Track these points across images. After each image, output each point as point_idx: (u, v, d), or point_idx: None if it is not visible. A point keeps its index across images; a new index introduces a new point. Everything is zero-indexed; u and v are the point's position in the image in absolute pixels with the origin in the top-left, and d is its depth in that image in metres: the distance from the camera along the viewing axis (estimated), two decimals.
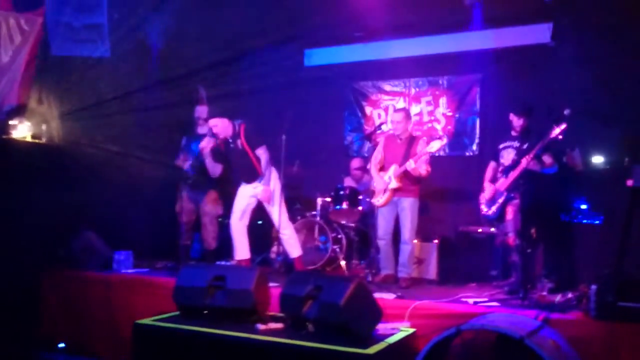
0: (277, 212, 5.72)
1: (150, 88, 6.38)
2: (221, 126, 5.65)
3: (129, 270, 5.73)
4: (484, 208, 5.28)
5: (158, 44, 6.55)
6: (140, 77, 6.25)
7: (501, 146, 5.35)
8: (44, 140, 6.17)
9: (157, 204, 6.61)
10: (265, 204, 5.75)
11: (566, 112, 4.60)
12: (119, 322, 5.24)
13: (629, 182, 4.32)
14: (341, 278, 3.99)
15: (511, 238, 5.04)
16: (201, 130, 6.30)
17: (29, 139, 6.07)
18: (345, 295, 3.66)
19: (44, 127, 6.19)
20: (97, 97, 5.95)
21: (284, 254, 6.07)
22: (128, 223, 6.30)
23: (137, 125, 6.31)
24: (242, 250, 5.77)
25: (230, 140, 5.72)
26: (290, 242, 5.82)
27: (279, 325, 4.03)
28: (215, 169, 5.89)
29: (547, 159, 4.96)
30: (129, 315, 5.13)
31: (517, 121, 5.25)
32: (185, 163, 6.15)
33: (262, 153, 5.70)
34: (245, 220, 5.80)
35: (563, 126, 4.58)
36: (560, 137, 4.59)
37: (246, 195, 5.78)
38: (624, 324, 3.72)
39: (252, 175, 5.72)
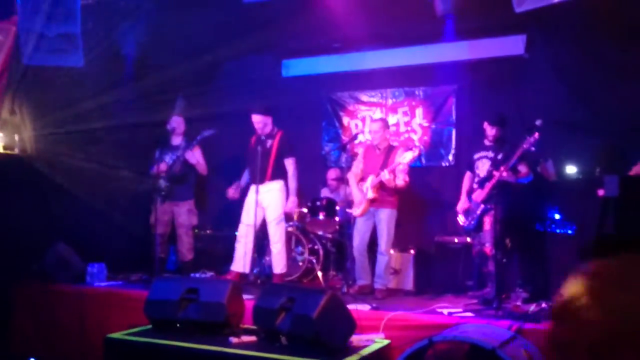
0: (277, 225, 5.74)
1: (125, 98, 6.31)
2: (263, 121, 5.79)
3: (103, 283, 5.65)
4: (461, 219, 5.31)
5: (133, 54, 6.50)
6: (115, 88, 6.18)
7: (476, 156, 5.39)
8: (16, 151, 6.07)
9: (131, 215, 6.54)
10: (267, 215, 5.75)
11: (538, 122, 4.65)
12: (91, 336, 5.13)
13: (600, 192, 4.36)
14: (314, 290, 3.98)
15: (488, 248, 5.07)
16: (175, 141, 6.27)
17: (1, 150, 5.97)
18: (318, 307, 3.64)
19: (16, 138, 6.10)
20: (70, 107, 5.86)
21: (260, 267, 6.03)
22: (102, 235, 6.22)
23: (111, 136, 6.24)
24: (240, 263, 5.74)
25: (264, 137, 5.81)
26: (278, 257, 5.79)
27: (252, 338, 4.00)
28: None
29: (522, 168, 5.00)
30: (102, 329, 5.01)
31: (490, 130, 5.30)
32: (159, 174, 6.10)
33: (290, 163, 5.81)
34: (252, 234, 5.78)
35: (535, 136, 4.62)
36: (533, 148, 4.63)
37: (250, 206, 5.75)
38: None
39: (262, 177, 5.71)
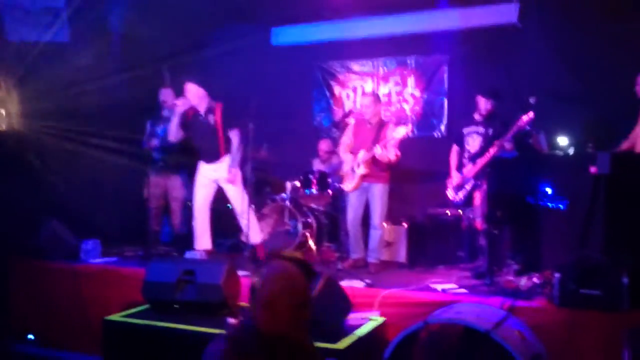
0: (239, 198, 5.65)
1: (113, 72, 6.18)
2: (195, 93, 5.49)
3: (97, 260, 5.65)
4: (450, 193, 5.33)
5: (119, 28, 6.34)
6: (102, 62, 6.05)
7: (465, 131, 5.37)
8: (3, 127, 5.98)
9: (124, 190, 6.50)
10: (227, 190, 5.63)
11: (532, 100, 4.63)
12: (87, 314, 5.18)
13: (592, 169, 4.40)
14: None
15: (479, 222, 5.12)
16: (166, 113, 6.19)
17: None
18: (315, 290, 3.69)
19: (3, 113, 6.00)
20: (58, 82, 5.74)
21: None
22: (95, 210, 6.18)
23: (100, 110, 6.14)
24: (204, 239, 5.68)
25: (201, 114, 5.56)
26: (252, 227, 5.76)
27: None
28: (177, 133, 5.63)
29: (507, 144, 4.98)
30: (97, 306, 5.09)
31: (485, 104, 5.25)
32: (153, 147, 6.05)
33: (234, 135, 5.56)
34: (207, 210, 5.69)
35: (530, 114, 4.62)
36: (528, 127, 4.63)
37: (206, 182, 5.64)
38: (586, 310, 3.83)
39: (215, 155, 5.57)
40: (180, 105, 5.50)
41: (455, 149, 5.49)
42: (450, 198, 5.34)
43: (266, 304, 2.07)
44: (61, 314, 5.36)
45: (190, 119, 5.61)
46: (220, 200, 5.83)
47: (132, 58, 6.34)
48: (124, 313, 4.35)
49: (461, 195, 5.21)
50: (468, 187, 5.15)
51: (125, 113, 6.29)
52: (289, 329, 2.11)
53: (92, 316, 5.07)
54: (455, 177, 5.33)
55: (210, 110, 5.56)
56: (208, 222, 5.70)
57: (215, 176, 5.61)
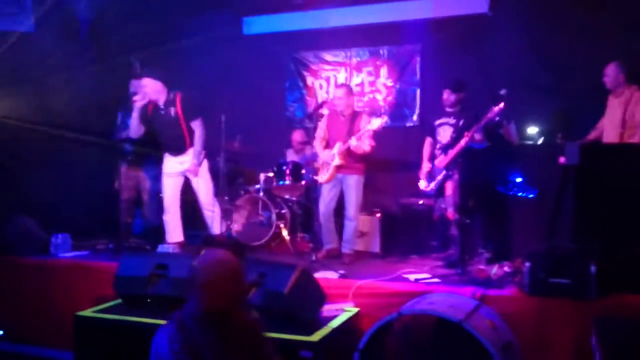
0: (205, 189, 5.61)
1: (81, 62, 6.06)
2: (152, 87, 5.36)
3: (68, 254, 5.57)
4: (423, 184, 5.38)
5: (87, 17, 6.20)
6: (70, 52, 5.92)
7: (437, 122, 5.42)
8: None
9: (94, 182, 6.41)
10: (193, 181, 5.58)
11: (503, 92, 4.67)
12: (58, 309, 5.10)
13: (562, 160, 4.47)
14: (285, 265, 4.01)
15: (450, 213, 5.18)
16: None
17: None
18: (290, 283, 3.70)
19: None
20: (24, 73, 5.61)
21: (227, 231, 6.02)
22: (65, 204, 6.09)
23: (69, 102, 6.02)
24: (176, 233, 5.64)
25: (161, 108, 5.45)
26: (216, 219, 5.73)
27: None
28: (138, 129, 5.51)
29: (477, 135, 5.03)
30: (68, 301, 5.04)
31: (447, 95, 5.31)
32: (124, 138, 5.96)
33: (197, 125, 5.49)
34: (178, 203, 5.64)
35: (501, 106, 4.66)
36: (497, 117, 4.68)
37: (173, 175, 5.59)
38: (555, 299, 3.91)
39: (180, 147, 5.50)
40: (139, 101, 5.38)
41: (428, 140, 5.54)
42: (422, 188, 5.39)
43: (205, 285, 2.37)
44: (31, 309, 5.27)
45: (150, 113, 5.50)
46: (191, 192, 5.78)
47: (100, 48, 6.21)
48: (95, 308, 4.30)
49: (433, 185, 5.26)
50: (440, 177, 5.19)
51: (94, 104, 6.18)
52: (228, 305, 2.42)
53: (63, 311, 4.99)
54: (426, 168, 5.37)
55: (170, 103, 5.44)
56: (179, 215, 5.65)
57: (182, 168, 5.55)
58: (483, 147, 5.06)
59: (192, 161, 5.48)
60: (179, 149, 5.53)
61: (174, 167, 5.59)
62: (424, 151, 5.54)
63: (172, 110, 5.44)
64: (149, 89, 5.36)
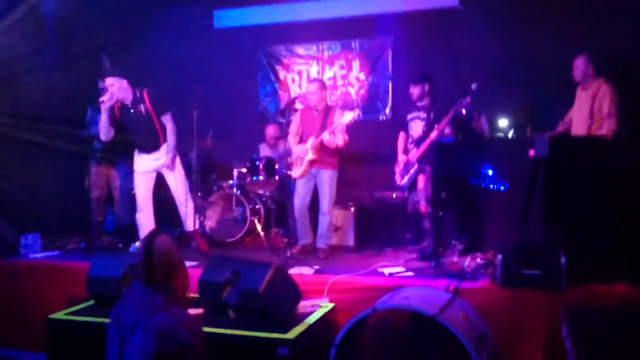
0: (180, 185, 5.56)
1: (48, 59, 5.93)
2: (118, 87, 5.25)
3: (38, 255, 5.47)
4: (397, 178, 5.42)
5: (53, 12, 6.06)
6: (37, 49, 5.78)
7: (409, 117, 5.47)
8: None
9: (64, 180, 6.31)
10: (167, 177, 5.53)
11: (473, 86, 4.72)
12: (30, 311, 5.03)
13: (531, 153, 4.53)
14: (259, 264, 4.00)
15: (423, 206, 5.22)
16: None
17: None
18: (264, 281, 3.69)
19: None
20: None
21: (201, 227, 5.99)
22: (35, 203, 5.98)
23: (37, 100, 5.89)
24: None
25: (130, 106, 5.36)
26: (189, 215, 5.69)
27: (199, 311, 4.02)
28: (108, 132, 5.40)
29: (447, 129, 5.08)
30: (40, 303, 4.98)
31: (412, 89, 5.37)
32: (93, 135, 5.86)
33: (168, 120, 5.43)
34: (151, 201, 5.58)
35: (468, 100, 4.71)
36: (464, 111, 4.73)
37: (146, 173, 5.53)
38: (526, 290, 3.98)
39: (154, 144, 5.44)
40: (106, 102, 5.25)
41: (401, 135, 5.58)
42: (397, 182, 5.43)
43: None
44: (2, 311, 5.18)
45: (118, 113, 5.41)
46: (164, 189, 5.72)
47: (68, 44, 6.08)
48: (68, 310, 4.24)
49: (406, 179, 5.30)
50: (412, 171, 5.23)
51: (62, 101, 6.07)
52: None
53: (34, 313, 4.93)
54: (401, 162, 5.41)
55: (139, 100, 5.36)
56: (152, 213, 5.60)
57: (155, 165, 5.49)
58: (452, 141, 5.11)
59: (167, 155, 5.43)
60: (152, 146, 5.46)
61: (147, 164, 5.51)
62: (398, 145, 5.57)
63: (142, 107, 5.35)
64: (115, 88, 5.25)
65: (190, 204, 5.69)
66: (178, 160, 5.59)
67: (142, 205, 5.55)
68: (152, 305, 2.57)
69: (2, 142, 5.74)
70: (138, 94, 5.36)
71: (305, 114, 5.61)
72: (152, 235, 2.71)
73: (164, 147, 5.47)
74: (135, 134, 5.49)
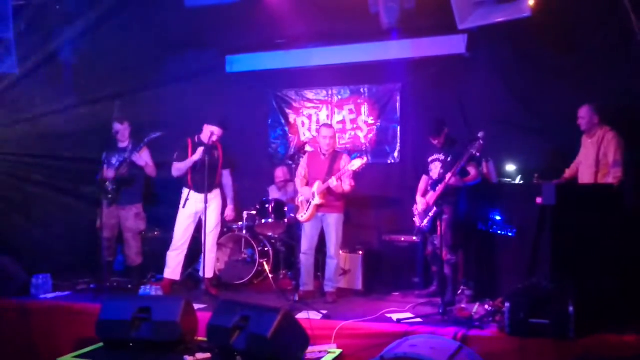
0: (214, 234, 5.76)
1: (65, 104, 6.08)
2: (217, 133, 5.72)
3: (49, 295, 5.51)
4: (417, 220, 5.44)
5: (71, 58, 6.25)
6: (54, 93, 5.94)
7: (430, 159, 5.54)
8: None
9: (76, 221, 6.39)
10: (209, 221, 5.62)
11: (480, 134, 4.79)
12: (38, 352, 5.06)
13: (538, 200, 4.56)
14: (268, 309, 4.01)
15: (444, 252, 5.19)
16: (122, 144, 6.13)
17: None
18: (273, 326, 3.69)
19: None
20: (7, 114, 5.61)
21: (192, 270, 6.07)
22: (46, 243, 6.06)
23: (53, 141, 6.03)
24: (176, 271, 5.80)
25: (209, 148, 5.67)
26: (211, 264, 5.80)
27: (207, 356, 4.02)
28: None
29: (471, 170, 5.13)
30: (50, 344, 5.00)
31: (433, 140, 5.49)
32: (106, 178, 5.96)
33: (228, 174, 5.90)
34: (188, 242, 5.81)
35: (480, 142, 4.79)
36: (478, 153, 4.81)
37: (192, 214, 5.73)
38: (535, 339, 3.96)
39: (210, 186, 5.60)
40: (207, 146, 5.61)
41: (424, 178, 5.65)
42: (417, 225, 5.44)
43: None
44: (11, 351, 5.19)
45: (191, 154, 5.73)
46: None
47: (85, 87, 6.24)
48: (76, 353, 4.22)
49: (426, 221, 5.29)
50: (431, 213, 5.23)
51: (76, 143, 6.19)
52: None
53: (43, 354, 4.95)
54: (420, 203, 5.44)
55: (214, 146, 5.75)
56: (185, 255, 5.80)
57: (201, 207, 5.60)
58: (479, 182, 5.19)
59: (230, 207, 5.89)
60: (208, 188, 5.58)
61: (195, 205, 5.69)
62: (419, 187, 5.64)
63: (215, 153, 5.75)
64: (214, 136, 5.69)
65: (214, 252, 5.78)
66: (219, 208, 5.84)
67: (177, 244, 5.75)
68: None
69: (14, 184, 5.83)
70: (216, 142, 5.77)
71: (313, 157, 5.70)
72: None
73: (213, 193, 5.72)
74: (199, 172, 5.64)
